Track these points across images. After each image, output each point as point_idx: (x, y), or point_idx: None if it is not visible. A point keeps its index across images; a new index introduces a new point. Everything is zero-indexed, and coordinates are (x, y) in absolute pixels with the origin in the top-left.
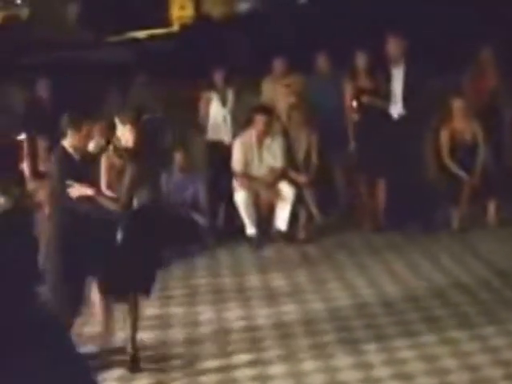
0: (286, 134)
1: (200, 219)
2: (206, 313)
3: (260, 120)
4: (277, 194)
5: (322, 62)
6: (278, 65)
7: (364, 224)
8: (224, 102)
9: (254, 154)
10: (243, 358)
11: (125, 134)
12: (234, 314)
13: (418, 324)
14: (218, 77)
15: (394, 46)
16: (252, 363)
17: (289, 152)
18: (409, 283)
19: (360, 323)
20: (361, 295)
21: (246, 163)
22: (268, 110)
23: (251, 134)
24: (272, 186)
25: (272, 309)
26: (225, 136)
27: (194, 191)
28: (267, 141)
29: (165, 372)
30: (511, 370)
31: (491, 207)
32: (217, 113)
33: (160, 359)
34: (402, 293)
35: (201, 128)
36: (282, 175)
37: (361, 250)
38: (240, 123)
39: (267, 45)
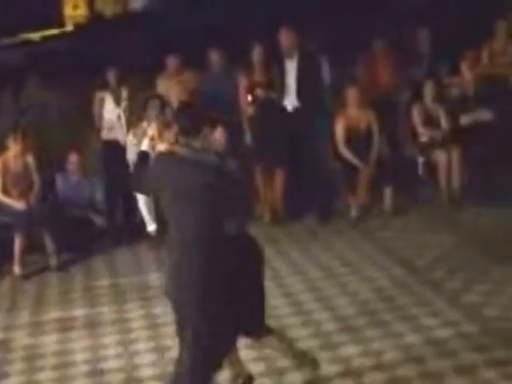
0: None
1: (98, 219)
2: (108, 314)
3: (153, 107)
4: None
5: (215, 57)
6: (172, 62)
7: (263, 216)
8: (118, 101)
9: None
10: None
11: None
12: (135, 314)
13: (319, 313)
14: (112, 76)
15: (286, 40)
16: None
17: None
18: (309, 273)
19: None
20: None
21: None
22: (161, 98)
23: (145, 126)
24: None
25: None
26: (120, 135)
27: (90, 191)
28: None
29: None
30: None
31: (387, 195)
32: (111, 112)
33: None
34: (303, 284)
35: (95, 128)
36: None
37: (260, 242)
38: (134, 122)
39: (161, 42)
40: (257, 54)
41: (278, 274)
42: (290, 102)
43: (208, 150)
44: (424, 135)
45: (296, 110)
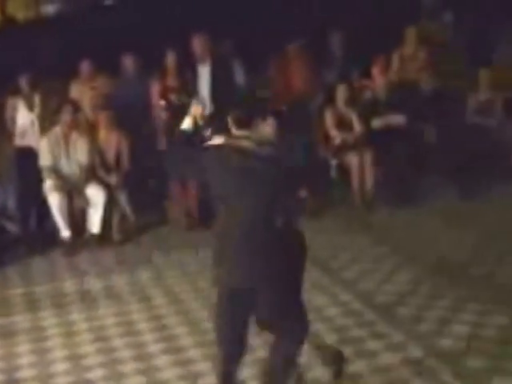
0: (93, 134)
1: (11, 227)
2: (22, 323)
3: (66, 112)
4: (88, 196)
5: (128, 63)
6: (85, 67)
7: (180, 222)
8: (31, 107)
9: (60, 149)
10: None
11: None
12: (50, 322)
13: None
14: (24, 81)
15: (199, 45)
16: (70, 367)
17: (98, 153)
18: None
19: (177, 319)
20: (176, 292)
21: (54, 159)
22: (74, 103)
23: (57, 131)
24: (83, 185)
25: (90, 312)
26: (33, 141)
27: (3, 198)
28: (73, 136)
29: None
30: None
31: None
32: (24, 118)
33: None
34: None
35: (8, 134)
36: (92, 175)
37: (178, 249)
38: (47, 128)
39: (74, 48)
40: (170, 59)
41: (193, 277)
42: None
43: (263, 141)
44: (337, 138)
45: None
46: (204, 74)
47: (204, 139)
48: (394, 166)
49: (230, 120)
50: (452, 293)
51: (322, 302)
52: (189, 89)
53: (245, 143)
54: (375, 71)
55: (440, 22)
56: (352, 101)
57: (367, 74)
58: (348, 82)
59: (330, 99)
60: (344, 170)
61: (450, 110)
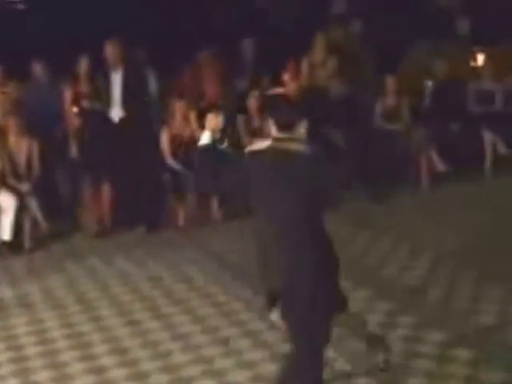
0: (3, 140)
1: None
2: None
3: None
4: None
5: (38, 69)
6: None
7: (91, 228)
8: None
9: None
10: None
11: None
12: None
13: (149, 322)
14: None
15: (111, 52)
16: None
17: (9, 159)
18: (138, 283)
19: (90, 327)
20: (89, 300)
21: None
22: None
23: None
24: None
25: (1, 322)
26: None
27: None
28: None
29: None
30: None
31: (214, 204)
32: None
33: None
34: (132, 294)
35: None
36: (2, 182)
37: (90, 256)
38: None
39: None
40: (82, 65)
41: (106, 284)
42: (116, 113)
43: (301, 141)
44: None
45: (121, 120)
46: (116, 80)
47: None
48: None
49: (272, 123)
50: (362, 294)
51: (236, 306)
52: (101, 95)
53: (291, 145)
54: (286, 78)
55: (349, 30)
56: (264, 108)
57: (279, 81)
58: (259, 90)
59: (242, 107)
60: None
61: (358, 116)
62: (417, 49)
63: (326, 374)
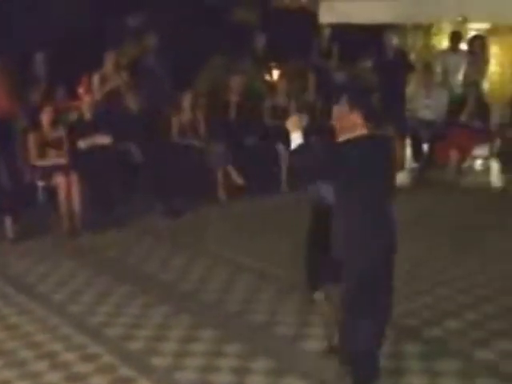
0: None
1: None
2: None
3: None
4: None
5: None
6: None
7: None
8: None
9: None
10: None
11: None
12: None
13: None
14: None
15: None
16: None
17: None
18: None
19: None
20: None
21: None
22: None
23: None
24: None
25: None
26: None
27: None
28: None
29: None
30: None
31: (7, 222)
32: None
33: None
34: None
35: None
36: None
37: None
38: None
39: None
40: None
41: None
42: None
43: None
44: (44, 161)
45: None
46: None
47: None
48: (101, 186)
49: (361, 117)
50: (161, 309)
51: (31, 328)
52: None
53: (374, 134)
54: (81, 91)
55: (144, 44)
56: (56, 122)
57: (73, 94)
58: (52, 104)
59: (34, 121)
60: (51, 193)
61: (155, 130)
62: (213, 64)
63: None
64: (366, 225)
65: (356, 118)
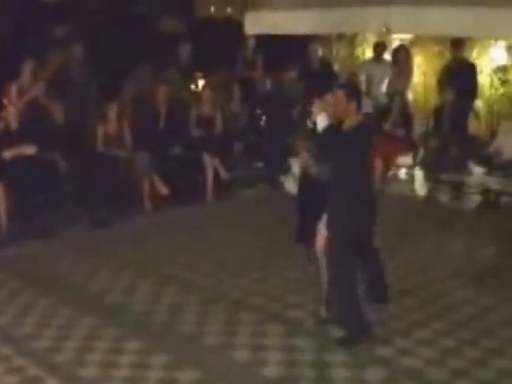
0: None
1: None
2: None
3: None
4: None
5: None
6: None
7: None
8: None
9: None
10: None
11: None
12: None
13: None
14: None
15: None
16: None
17: None
18: None
19: None
20: None
21: None
22: None
23: None
24: None
25: None
26: None
27: None
28: None
29: None
30: None
31: None
32: None
33: None
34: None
35: None
36: None
37: None
38: None
39: None
40: None
41: None
42: None
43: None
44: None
45: None
46: None
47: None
48: (26, 197)
49: (355, 108)
50: (88, 321)
51: None
52: None
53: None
54: (6, 101)
55: (69, 54)
56: None
57: None
58: None
59: None
60: None
61: (80, 140)
62: (138, 73)
63: None
64: (362, 195)
65: (352, 109)
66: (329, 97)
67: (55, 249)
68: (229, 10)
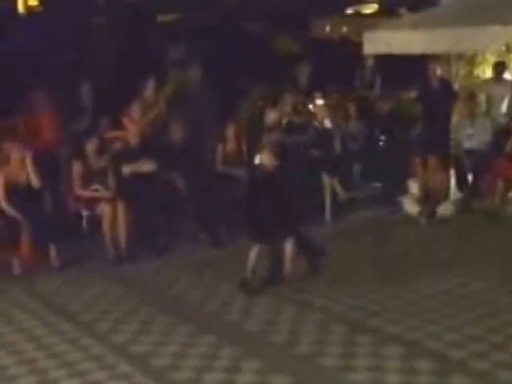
0: None
1: None
2: None
3: None
4: None
5: None
6: None
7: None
8: None
9: None
10: None
11: None
12: None
13: None
14: None
15: None
16: None
17: None
18: None
19: None
20: None
21: None
22: None
23: None
24: None
25: None
26: None
27: None
28: None
29: None
30: None
31: (52, 251)
32: None
33: None
34: None
35: None
36: None
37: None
38: None
39: None
40: None
41: None
42: None
43: None
44: (88, 190)
45: None
46: None
47: None
48: (145, 215)
49: None
50: (204, 340)
51: (75, 356)
52: None
53: None
54: (125, 120)
55: (188, 74)
56: (101, 151)
57: (118, 124)
58: (98, 134)
59: (79, 150)
60: (96, 221)
61: (199, 160)
62: (254, 94)
63: None
64: None
65: None
66: None
67: (173, 267)
68: (344, 29)
